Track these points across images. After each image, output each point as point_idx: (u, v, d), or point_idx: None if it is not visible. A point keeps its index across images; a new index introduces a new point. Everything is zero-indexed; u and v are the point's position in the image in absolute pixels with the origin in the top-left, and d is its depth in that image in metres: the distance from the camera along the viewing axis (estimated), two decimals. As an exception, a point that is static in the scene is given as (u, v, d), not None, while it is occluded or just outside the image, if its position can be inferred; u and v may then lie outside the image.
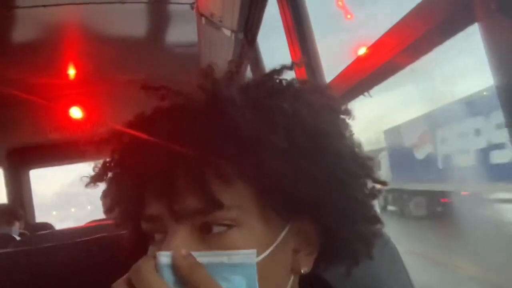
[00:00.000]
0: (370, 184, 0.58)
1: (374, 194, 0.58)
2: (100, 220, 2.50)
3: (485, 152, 7.42)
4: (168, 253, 0.48)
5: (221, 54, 2.56)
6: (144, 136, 0.53)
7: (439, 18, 0.80)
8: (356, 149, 0.57)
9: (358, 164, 0.56)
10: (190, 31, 2.36)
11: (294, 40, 1.61)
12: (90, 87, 2.67)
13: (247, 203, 0.51)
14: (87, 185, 0.61)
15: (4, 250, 0.87)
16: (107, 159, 0.59)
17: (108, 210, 0.62)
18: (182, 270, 0.47)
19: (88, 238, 0.87)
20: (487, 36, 0.64)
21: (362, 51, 1.25)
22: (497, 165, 7.16)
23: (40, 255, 0.87)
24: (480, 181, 7.69)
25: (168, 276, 0.47)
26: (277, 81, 0.57)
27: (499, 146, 6.97)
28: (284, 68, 0.57)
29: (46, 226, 3.37)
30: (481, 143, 7.56)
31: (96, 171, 0.60)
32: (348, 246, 0.57)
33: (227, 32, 2.37)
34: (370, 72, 1.15)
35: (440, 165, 9.44)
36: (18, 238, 2.46)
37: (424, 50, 0.94)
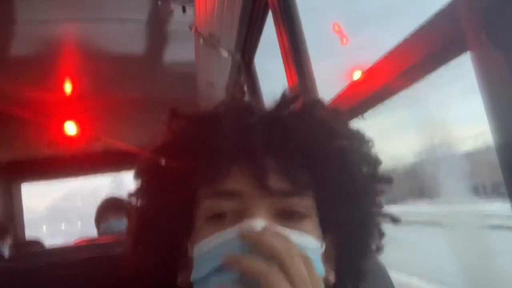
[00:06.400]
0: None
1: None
2: (90, 239, 2.47)
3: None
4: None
5: (217, 74, 2.58)
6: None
7: (432, 46, 0.82)
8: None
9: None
10: (188, 50, 2.39)
11: (291, 63, 1.63)
12: (85, 104, 2.67)
13: (312, 204, 0.56)
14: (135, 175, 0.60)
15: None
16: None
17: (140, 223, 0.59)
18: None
19: (81, 257, 0.85)
20: (478, 64, 0.66)
21: (357, 74, 1.26)
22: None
23: (30, 274, 0.85)
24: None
25: None
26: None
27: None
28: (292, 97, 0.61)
29: (36, 243, 3.31)
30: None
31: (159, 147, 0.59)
32: (358, 262, 0.60)
33: (225, 53, 2.39)
34: (365, 97, 1.16)
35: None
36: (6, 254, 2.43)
37: (418, 76, 0.95)
